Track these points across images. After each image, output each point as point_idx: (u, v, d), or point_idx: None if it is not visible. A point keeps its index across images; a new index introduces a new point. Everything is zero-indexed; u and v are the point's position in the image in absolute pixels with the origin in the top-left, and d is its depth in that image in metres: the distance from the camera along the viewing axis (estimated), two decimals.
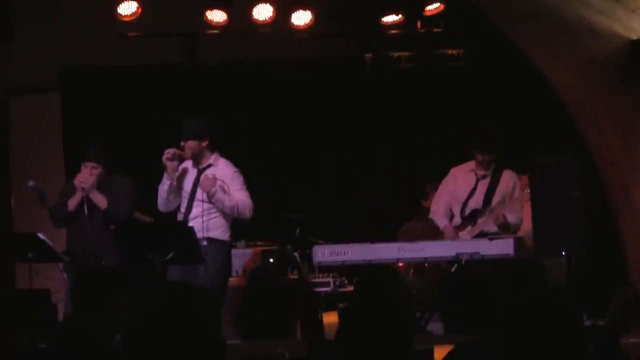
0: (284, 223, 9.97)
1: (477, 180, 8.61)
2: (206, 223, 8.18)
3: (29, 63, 10.64)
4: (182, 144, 8.27)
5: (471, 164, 8.65)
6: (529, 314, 3.19)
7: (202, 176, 8.23)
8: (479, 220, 8.48)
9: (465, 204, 8.57)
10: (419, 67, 10.83)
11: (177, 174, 8.34)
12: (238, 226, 8.61)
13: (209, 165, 8.36)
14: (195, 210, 8.24)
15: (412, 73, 10.83)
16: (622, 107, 9.05)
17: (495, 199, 8.52)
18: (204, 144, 8.32)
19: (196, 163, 8.39)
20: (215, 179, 8.17)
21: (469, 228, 8.49)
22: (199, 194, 8.26)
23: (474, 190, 8.59)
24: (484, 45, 10.50)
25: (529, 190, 8.39)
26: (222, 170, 8.36)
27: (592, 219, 8.26)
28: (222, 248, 8.36)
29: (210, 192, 8.17)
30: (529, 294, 3.28)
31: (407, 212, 10.17)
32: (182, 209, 8.35)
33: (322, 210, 10.94)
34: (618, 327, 6.95)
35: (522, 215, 8.62)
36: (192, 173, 8.41)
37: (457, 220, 8.61)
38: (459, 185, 8.66)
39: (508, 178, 8.60)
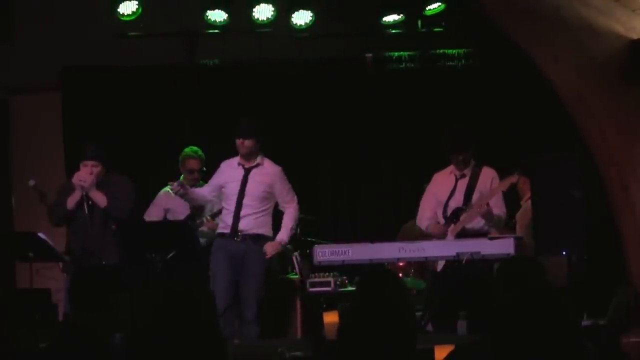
0: None
1: (456, 180, 8.60)
2: (256, 221, 8.54)
3: (29, 62, 10.64)
4: (239, 140, 8.58)
5: (451, 167, 8.67)
6: (521, 314, 3.18)
7: (267, 249, 8.58)
8: (461, 218, 8.45)
9: (446, 205, 8.56)
10: (419, 67, 10.82)
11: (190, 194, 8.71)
12: None
13: (257, 165, 8.67)
14: (245, 209, 8.55)
15: (412, 73, 10.83)
16: (623, 107, 9.03)
17: (475, 196, 8.49)
18: (259, 144, 8.66)
19: (246, 162, 8.66)
20: (277, 243, 8.63)
21: (452, 226, 8.47)
22: (247, 198, 8.57)
23: (453, 190, 8.58)
24: (485, 44, 10.49)
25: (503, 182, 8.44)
26: (269, 169, 8.71)
27: (593, 218, 8.25)
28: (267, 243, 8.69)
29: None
30: (522, 293, 3.27)
31: (407, 211, 10.15)
32: (231, 208, 8.57)
33: (323, 210, 10.94)
34: (618, 326, 6.96)
35: (505, 209, 8.59)
36: (239, 173, 8.63)
37: (441, 221, 8.59)
38: (439, 187, 8.66)
39: (486, 175, 8.59)
